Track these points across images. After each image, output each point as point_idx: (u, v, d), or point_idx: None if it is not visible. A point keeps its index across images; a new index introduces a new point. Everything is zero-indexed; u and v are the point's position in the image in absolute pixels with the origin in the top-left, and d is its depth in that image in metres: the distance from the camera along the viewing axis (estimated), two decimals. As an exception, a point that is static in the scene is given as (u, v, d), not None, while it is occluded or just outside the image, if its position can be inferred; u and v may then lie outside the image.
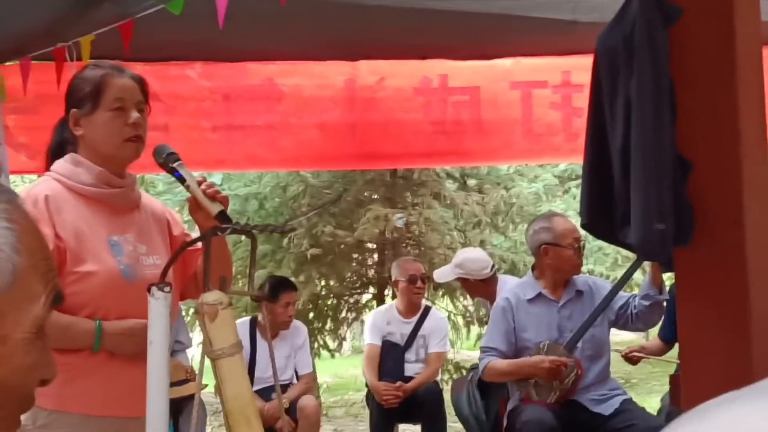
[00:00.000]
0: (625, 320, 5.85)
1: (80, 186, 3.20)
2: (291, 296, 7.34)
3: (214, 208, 3.06)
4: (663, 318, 6.42)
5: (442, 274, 7.96)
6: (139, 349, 2.80)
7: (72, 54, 5.25)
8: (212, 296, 2.57)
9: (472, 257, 7.73)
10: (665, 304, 5.95)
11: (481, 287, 7.44)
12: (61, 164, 3.25)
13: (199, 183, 3.12)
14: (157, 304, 2.70)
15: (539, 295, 5.84)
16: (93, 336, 3.06)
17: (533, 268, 6.03)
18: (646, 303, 5.74)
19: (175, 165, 3.16)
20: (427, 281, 8.00)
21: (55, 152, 3.33)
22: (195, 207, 3.15)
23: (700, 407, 0.81)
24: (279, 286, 7.24)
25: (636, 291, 6.24)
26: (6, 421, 1.22)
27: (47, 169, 3.30)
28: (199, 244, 3.15)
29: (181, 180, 3.16)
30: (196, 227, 3.22)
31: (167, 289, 2.68)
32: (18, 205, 1.20)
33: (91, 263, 3.09)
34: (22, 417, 3.15)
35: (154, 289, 2.69)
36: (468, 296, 11.78)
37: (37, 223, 1.25)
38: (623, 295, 5.92)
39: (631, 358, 6.61)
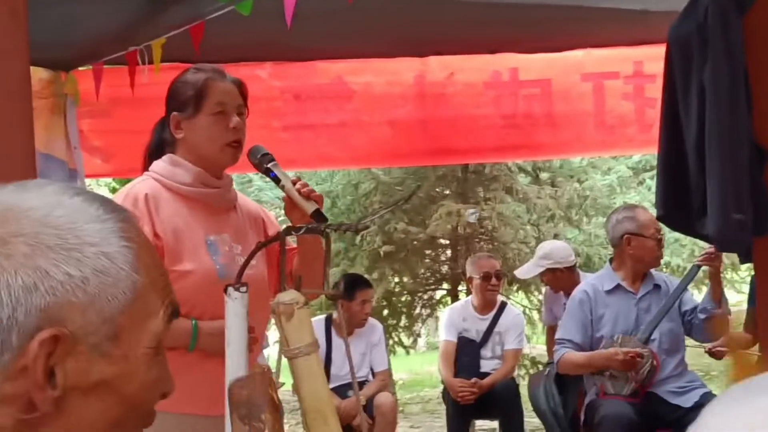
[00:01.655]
0: (687, 328, 5.82)
1: (178, 186, 3.26)
2: (367, 294, 7.34)
3: (310, 207, 3.12)
4: (747, 312, 6.34)
5: (526, 270, 7.98)
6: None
7: (143, 57, 5.30)
8: (288, 296, 2.57)
9: (557, 246, 7.85)
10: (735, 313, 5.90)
11: (568, 277, 7.44)
12: (159, 164, 3.32)
13: (294, 182, 3.17)
14: (234, 305, 2.71)
15: (618, 287, 5.81)
16: (189, 335, 3.11)
17: (611, 261, 6.00)
18: (702, 317, 5.71)
19: (269, 165, 3.22)
20: (503, 277, 7.97)
21: (154, 153, 3.40)
22: (290, 206, 3.21)
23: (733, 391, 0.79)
24: (355, 284, 7.25)
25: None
26: None
27: (145, 169, 3.37)
28: (293, 243, 3.24)
29: (276, 180, 3.22)
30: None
31: (243, 289, 2.70)
32: (133, 222, 1.22)
33: (188, 262, 3.16)
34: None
35: (230, 289, 2.70)
36: (542, 291, 11.71)
37: (143, 230, 1.27)
38: (693, 300, 5.86)
39: (715, 353, 6.47)
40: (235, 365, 2.72)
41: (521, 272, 8.19)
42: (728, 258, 12.14)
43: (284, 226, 3.14)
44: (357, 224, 3.00)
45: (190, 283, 3.11)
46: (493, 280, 7.61)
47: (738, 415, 0.76)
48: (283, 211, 3.57)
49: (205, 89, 3.28)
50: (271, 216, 3.61)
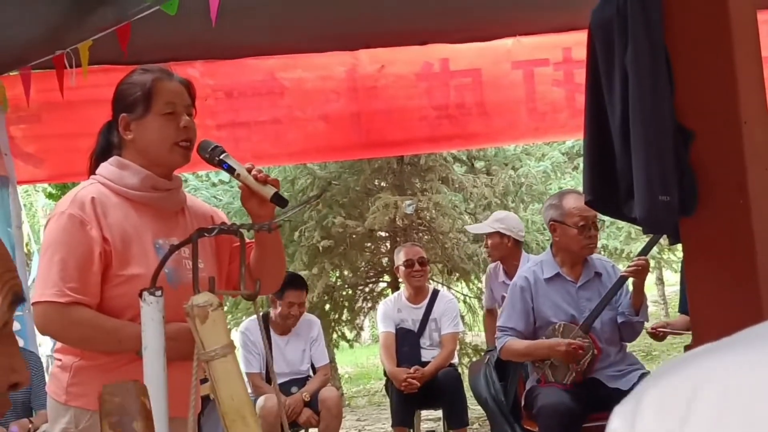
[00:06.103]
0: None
1: (126, 189, 3.22)
2: (297, 295, 7.19)
3: (268, 192, 3.10)
4: (680, 293, 6.38)
5: (477, 227, 8.14)
6: (181, 353, 2.80)
7: (71, 61, 5.27)
8: (202, 298, 2.56)
9: (513, 216, 8.01)
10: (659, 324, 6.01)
11: (513, 249, 7.51)
12: (106, 167, 3.27)
13: (248, 171, 3.15)
14: (150, 309, 2.68)
15: (557, 275, 5.78)
16: (139, 340, 3.06)
17: (552, 246, 5.97)
18: (620, 321, 5.72)
19: (222, 157, 3.20)
20: (427, 263, 8.00)
21: (100, 156, 3.34)
22: (248, 195, 3.19)
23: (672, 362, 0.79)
24: (285, 284, 7.09)
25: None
26: None
27: (91, 173, 3.31)
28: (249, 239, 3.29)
29: (231, 171, 3.19)
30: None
31: (159, 293, 2.68)
32: None
33: (136, 266, 3.11)
34: (64, 420, 3.13)
35: (145, 294, 2.68)
36: (482, 279, 11.78)
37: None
38: (625, 299, 5.86)
39: (656, 334, 6.46)
40: (152, 369, 2.71)
41: (473, 228, 8.40)
42: (665, 238, 12.27)
43: (233, 221, 3.13)
44: (270, 224, 2.98)
45: (138, 287, 3.03)
46: (417, 267, 7.63)
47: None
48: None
49: (153, 89, 3.23)
50: (223, 216, 3.54)
